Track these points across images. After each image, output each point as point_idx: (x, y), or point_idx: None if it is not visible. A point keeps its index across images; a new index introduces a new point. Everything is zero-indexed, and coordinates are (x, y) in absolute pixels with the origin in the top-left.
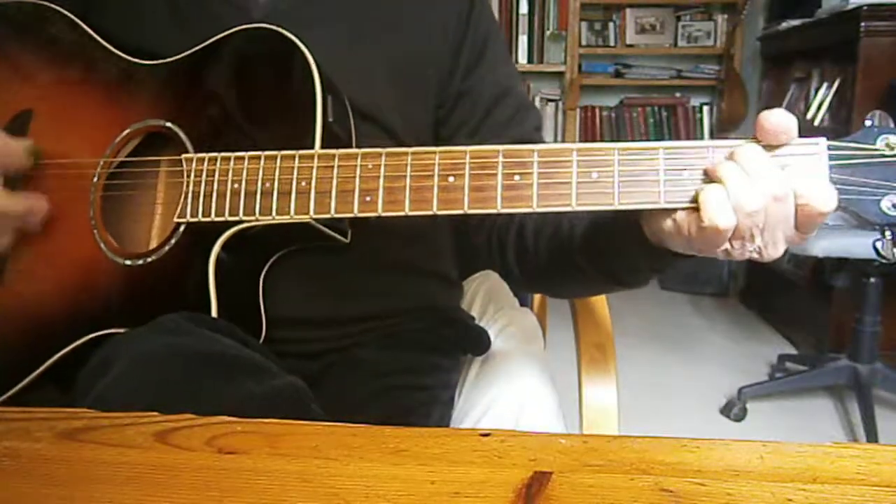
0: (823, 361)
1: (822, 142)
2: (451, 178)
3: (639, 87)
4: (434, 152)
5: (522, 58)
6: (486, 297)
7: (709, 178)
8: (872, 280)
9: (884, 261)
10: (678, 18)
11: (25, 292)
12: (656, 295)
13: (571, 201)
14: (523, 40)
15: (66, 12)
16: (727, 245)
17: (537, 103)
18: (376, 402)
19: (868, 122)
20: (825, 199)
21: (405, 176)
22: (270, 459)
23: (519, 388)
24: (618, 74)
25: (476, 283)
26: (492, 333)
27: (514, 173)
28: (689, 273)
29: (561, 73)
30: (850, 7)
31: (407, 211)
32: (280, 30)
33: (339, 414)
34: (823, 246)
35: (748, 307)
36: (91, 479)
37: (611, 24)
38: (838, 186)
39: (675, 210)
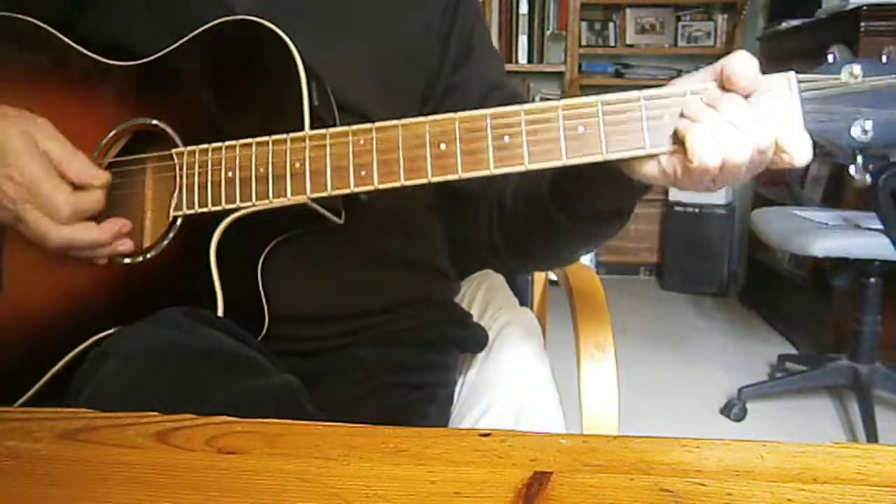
0: (823, 361)
1: (792, 75)
2: (442, 146)
3: (639, 87)
4: (424, 122)
5: (522, 58)
6: (486, 296)
7: (690, 119)
8: (872, 280)
9: (859, 185)
10: (678, 18)
11: (25, 298)
12: (656, 295)
13: (562, 155)
14: (523, 40)
15: (38, 22)
16: (709, 183)
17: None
18: (374, 400)
19: (830, 57)
20: (805, 153)
21: (398, 147)
22: (270, 459)
23: (519, 387)
24: (618, 74)
25: (475, 283)
26: (491, 333)
27: (504, 134)
28: (689, 273)
29: (561, 73)
30: (850, 7)
31: (402, 181)
32: (258, 20)
33: (337, 412)
34: (823, 246)
35: (748, 307)
36: (91, 479)
37: (611, 24)
38: (810, 116)
39: (657, 155)
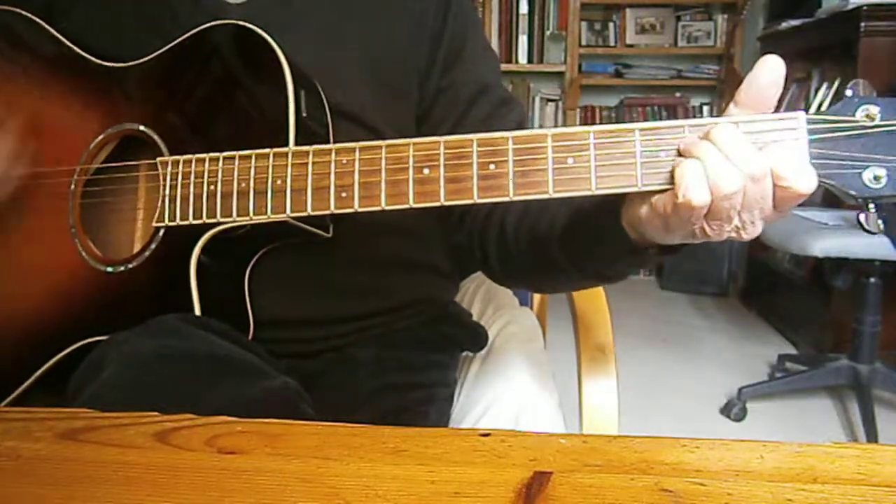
0: (823, 361)
1: (801, 115)
2: (425, 170)
3: (639, 87)
4: (408, 144)
5: (522, 58)
6: (486, 296)
7: (683, 156)
8: (872, 280)
9: (869, 233)
10: (678, 18)
11: (9, 304)
12: (656, 295)
13: (548, 188)
14: (523, 40)
15: (32, 17)
16: (703, 224)
17: (537, 103)
18: (374, 400)
19: (849, 92)
20: (805, 180)
21: (380, 170)
22: (270, 459)
23: (519, 387)
24: (618, 74)
25: (476, 283)
26: (491, 333)
27: (490, 162)
28: (689, 273)
29: (561, 73)
30: (850, 7)
31: (383, 205)
32: (249, 25)
33: (337, 413)
34: (823, 246)
35: (748, 307)
36: (91, 479)
37: (611, 24)
38: (819, 161)
39: (651, 194)
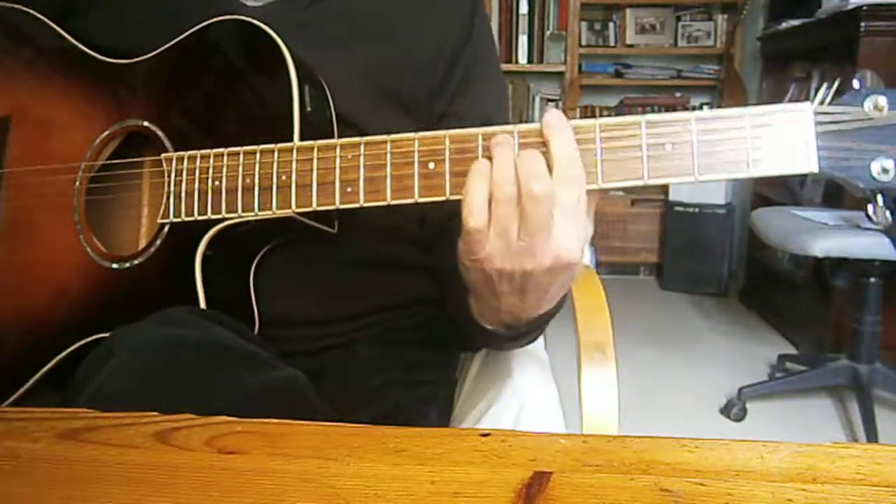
0: (823, 361)
1: (808, 107)
2: (430, 165)
3: (639, 87)
4: (413, 139)
5: (522, 58)
6: None
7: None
8: (872, 280)
9: (877, 227)
10: (678, 18)
11: (14, 300)
12: (656, 295)
13: None
14: (523, 40)
15: (37, 14)
16: (490, 242)
17: (537, 103)
18: (375, 399)
19: (856, 84)
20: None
21: (385, 164)
22: (270, 459)
23: (519, 387)
24: (618, 74)
25: None
26: None
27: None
28: (689, 273)
29: (561, 73)
30: (850, 7)
31: (389, 200)
32: (252, 20)
33: (338, 411)
34: (823, 246)
35: (748, 307)
36: (91, 479)
37: (611, 24)
38: (826, 154)
39: None
